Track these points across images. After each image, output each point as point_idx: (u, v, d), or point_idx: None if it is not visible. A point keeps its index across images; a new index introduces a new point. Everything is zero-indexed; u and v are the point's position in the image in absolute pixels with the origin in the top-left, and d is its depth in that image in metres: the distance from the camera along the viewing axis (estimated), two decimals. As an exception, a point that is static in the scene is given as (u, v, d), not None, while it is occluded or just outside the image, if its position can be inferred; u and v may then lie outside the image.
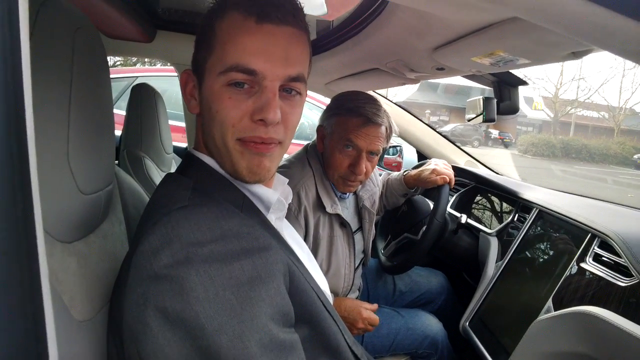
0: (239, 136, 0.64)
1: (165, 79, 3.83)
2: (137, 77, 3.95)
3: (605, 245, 1.04)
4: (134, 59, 9.21)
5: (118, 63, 10.13)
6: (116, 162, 1.66)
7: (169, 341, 0.50)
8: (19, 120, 0.33)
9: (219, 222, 0.58)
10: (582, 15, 0.46)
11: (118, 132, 1.74)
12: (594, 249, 1.06)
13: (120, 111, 2.24)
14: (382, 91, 2.22)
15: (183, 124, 2.25)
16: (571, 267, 1.08)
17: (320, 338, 0.66)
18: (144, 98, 1.62)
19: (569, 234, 1.17)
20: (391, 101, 2.13)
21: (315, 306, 0.65)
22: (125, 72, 4.19)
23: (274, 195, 0.71)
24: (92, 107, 0.61)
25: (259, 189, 0.70)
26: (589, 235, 1.08)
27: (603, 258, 1.03)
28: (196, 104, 0.69)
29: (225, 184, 0.68)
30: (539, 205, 1.34)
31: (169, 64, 2.01)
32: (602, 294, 0.96)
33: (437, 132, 2.15)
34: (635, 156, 19.58)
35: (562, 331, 0.94)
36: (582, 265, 1.05)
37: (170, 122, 1.89)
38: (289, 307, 0.59)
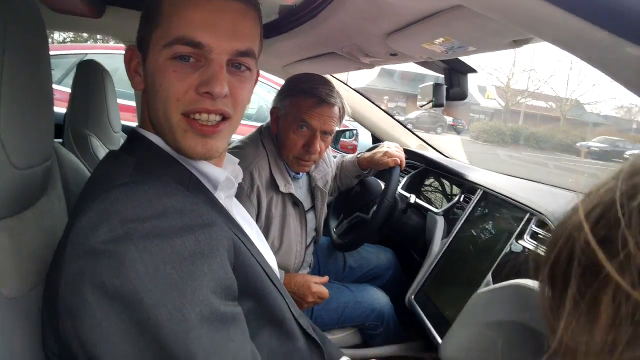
0: (183, 110, 0.63)
1: (117, 57, 3.69)
2: (86, 54, 3.77)
3: (542, 223, 1.11)
4: (85, 36, 8.73)
5: (68, 39, 9.58)
6: (60, 140, 1.60)
7: (107, 315, 0.49)
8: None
9: (160, 199, 0.57)
10: (516, 3, 0.49)
11: (64, 110, 1.68)
12: (531, 227, 1.13)
13: (67, 89, 2.14)
14: (342, 77, 2.24)
15: (134, 103, 2.19)
16: (510, 244, 1.15)
17: (265, 310, 0.67)
18: (90, 75, 1.56)
19: (510, 214, 1.25)
20: (349, 86, 2.16)
21: (261, 280, 0.67)
22: (75, 48, 3.99)
23: (222, 174, 0.71)
24: (28, 80, 0.59)
25: (207, 167, 0.69)
26: (528, 214, 1.15)
27: (539, 235, 1.11)
28: (140, 80, 0.67)
29: (170, 162, 0.67)
30: (483, 186, 1.41)
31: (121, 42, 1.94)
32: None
33: (392, 117, 2.20)
34: (578, 144, 20.70)
35: (499, 302, 1.01)
36: (521, 242, 1.12)
37: (122, 101, 1.83)
38: (232, 281, 0.59)
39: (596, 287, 0.25)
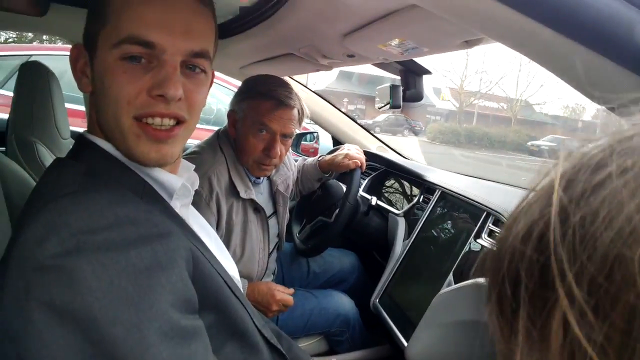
0: (135, 114, 0.60)
1: (65, 59, 3.51)
2: (31, 55, 3.58)
3: (499, 222, 1.14)
4: (30, 36, 8.30)
5: (10, 39, 9.08)
6: (3, 148, 1.50)
7: (57, 337, 0.45)
8: None
9: (112, 208, 0.53)
10: (466, 3, 0.50)
11: (6, 115, 1.57)
12: (488, 225, 1.15)
13: (10, 92, 2.02)
14: (302, 79, 2.23)
15: (84, 108, 2.09)
16: (469, 243, 1.17)
17: (227, 323, 0.65)
18: (35, 78, 1.46)
19: (468, 213, 1.27)
20: (309, 89, 2.15)
21: (222, 291, 0.64)
22: (18, 49, 3.79)
23: (177, 181, 0.67)
24: None
25: (161, 175, 0.66)
26: (485, 213, 1.18)
27: (496, 234, 1.13)
28: (88, 81, 0.63)
29: (122, 169, 0.63)
30: (441, 186, 1.43)
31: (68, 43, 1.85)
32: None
33: (352, 119, 2.21)
34: (529, 143, 21.66)
35: (460, 302, 1.02)
36: (479, 241, 1.14)
37: (71, 106, 1.74)
38: (192, 293, 0.56)
39: (547, 312, 0.23)
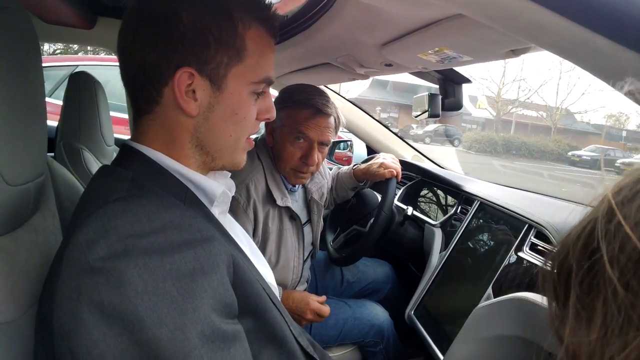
0: (250, 133, 0.72)
1: (109, 69, 3.65)
2: (77, 65, 3.73)
3: (541, 235, 1.10)
4: (76, 47, 8.70)
5: (58, 51, 9.53)
6: (52, 154, 1.57)
7: (105, 336, 0.47)
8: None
9: (159, 213, 0.56)
10: (518, 12, 0.48)
11: (55, 123, 1.64)
12: (530, 238, 1.12)
13: (58, 101, 2.12)
14: (335, 87, 2.24)
15: (126, 116, 2.16)
16: (510, 256, 1.13)
17: (265, 329, 0.66)
18: (82, 87, 1.53)
19: (508, 225, 1.23)
20: (343, 97, 2.16)
21: (260, 298, 0.65)
22: (65, 60, 3.96)
23: (218, 188, 0.70)
24: (20, 93, 0.57)
25: (204, 181, 0.68)
26: (526, 225, 1.14)
27: (539, 247, 1.09)
28: (197, 105, 0.65)
29: (166, 176, 0.66)
30: (480, 197, 1.40)
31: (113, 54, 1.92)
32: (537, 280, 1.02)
33: (387, 128, 2.19)
34: (570, 153, 20.90)
35: (500, 316, 0.99)
36: (520, 254, 1.10)
37: (113, 114, 1.81)
38: (232, 298, 0.58)
39: (592, 295, 0.29)
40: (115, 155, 1.80)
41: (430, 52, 0.93)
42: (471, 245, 1.34)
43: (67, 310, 0.49)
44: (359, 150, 2.55)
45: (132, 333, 0.48)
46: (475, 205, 1.40)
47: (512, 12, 0.50)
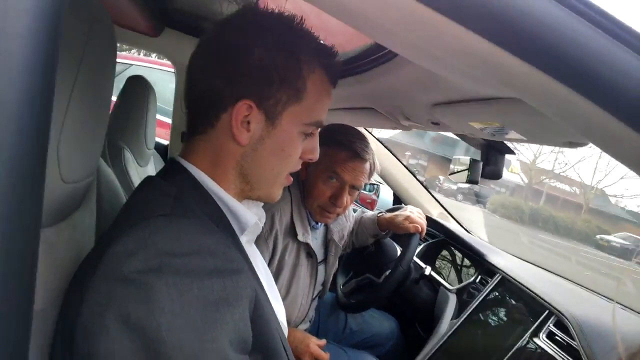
0: (291, 171, 0.75)
1: (157, 72, 3.78)
2: (130, 64, 3.87)
3: (560, 324, 1.06)
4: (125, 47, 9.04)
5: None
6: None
7: (124, 347, 0.49)
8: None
9: (197, 236, 0.58)
10: (584, 114, 0.48)
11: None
12: (549, 326, 1.08)
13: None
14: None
15: (167, 120, 2.22)
16: (524, 340, 1.09)
17: None
18: (137, 90, 1.59)
19: (527, 306, 1.20)
20: (377, 139, 2.16)
21: (272, 337, 0.65)
22: (118, 58, 4.09)
23: (252, 218, 0.72)
24: (92, 99, 0.60)
25: (240, 209, 0.70)
26: (547, 311, 1.10)
27: (556, 337, 1.05)
28: (248, 136, 0.68)
29: (206, 198, 0.68)
30: (503, 271, 1.36)
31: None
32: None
33: (416, 178, 2.18)
34: (598, 236, 20.22)
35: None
36: (535, 339, 1.07)
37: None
38: (249, 334, 0.58)
39: None
40: (152, 159, 1.83)
41: (482, 123, 0.92)
42: (485, 319, 1.30)
43: (94, 314, 0.51)
44: (385, 196, 2.53)
45: (150, 351, 0.49)
46: (497, 278, 1.37)
47: (577, 113, 0.49)
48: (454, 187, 21.57)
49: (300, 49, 0.67)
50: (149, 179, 0.71)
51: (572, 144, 0.78)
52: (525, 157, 27.14)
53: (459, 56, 0.53)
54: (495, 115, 0.83)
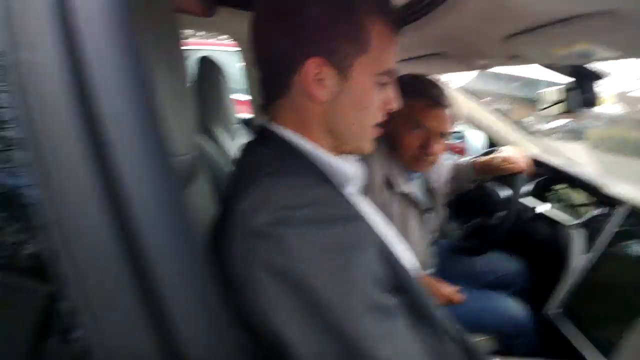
0: (376, 122, 0.73)
1: (221, 53, 3.87)
2: (198, 49, 4.01)
3: None
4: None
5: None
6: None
7: (277, 293, 0.52)
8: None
9: (305, 189, 0.61)
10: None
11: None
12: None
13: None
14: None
15: (238, 98, 2.32)
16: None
17: (414, 307, 0.65)
18: (209, 71, 1.65)
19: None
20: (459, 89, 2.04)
21: (406, 275, 0.66)
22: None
23: (352, 169, 0.73)
24: (174, 86, 0.65)
25: (339, 164, 0.71)
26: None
27: None
28: (325, 92, 0.68)
29: (300, 157, 0.69)
30: (631, 202, 1.29)
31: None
32: None
33: (510, 120, 2.04)
34: None
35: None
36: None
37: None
38: (383, 274, 0.60)
39: None
40: (239, 132, 1.93)
41: (568, 47, 0.81)
42: (622, 252, 1.24)
43: (243, 267, 0.54)
44: (473, 142, 2.44)
45: (304, 293, 0.51)
46: (626, 209, 1.29)
47: None
48: (546, 126, 20.16)
49: (357, 1, 0.66)
50: (246, 145, 0.75)
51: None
52: (619, 87, 24.49)
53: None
54: (583, 34, 0.74)
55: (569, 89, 1.43)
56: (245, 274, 0.54)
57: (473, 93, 2.00)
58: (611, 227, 1.27)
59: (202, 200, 0.79)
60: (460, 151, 2.33)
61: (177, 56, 0.69)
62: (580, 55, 0.86)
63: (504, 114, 1.98)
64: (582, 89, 1.39)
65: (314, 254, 0.53)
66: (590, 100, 1.39)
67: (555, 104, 1.48)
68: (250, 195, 0.58)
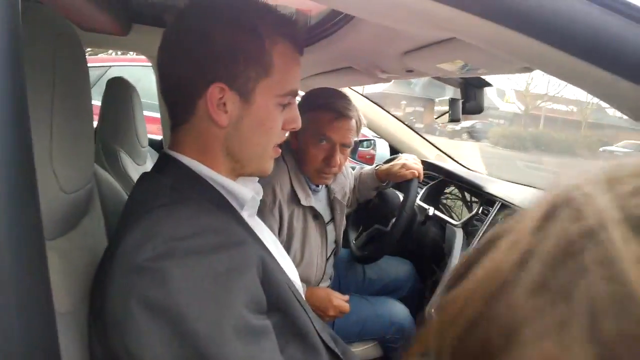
0: (277, 142, 0.76)
1: (138, 68, 3.74)
2: (110, 66, 3.83)
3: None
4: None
5: (87, 51, 9.75)
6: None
7: (151, 328, 0.54)
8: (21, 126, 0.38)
9: (197, 218, 0.63)
10: (513, 41, 0.51)
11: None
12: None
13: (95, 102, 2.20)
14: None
15: (157, 115, 2.24)
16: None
17: (290, 325, 0.71)
18: (119, 92, 1.61)
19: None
20: (365, 97, 2.18)
21: (286, 295, 0.70)
22: (97, 61, 4.05)
23: (248, 193, 0.75)
24: (74, 109, 0.63)
25: (236, 187, 0.74)
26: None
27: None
28: (227, 117, 0.70)
29: (201, 183, 0.71)
30: (501, 199, 1.42)
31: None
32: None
33: (409, 127, 2.22)
34: (601, 149, 20.20)
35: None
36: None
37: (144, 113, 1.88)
38: (262, 296, 0.64)
39: None
40: (148, 156, 1.85)
41: (448, 63, 0.96)
42: None
43: (118, 305, 0.56)
44: (382, 150, 2.57)
45: (175, 326, 0.54)
46: (497, 206, 1.42)
47: (506, 41, 0.53)
48: (457, 127, 21.45)
49: (259, 24, 0.68)
50: (145, 174, 0.75)
51: (529, 68, 0.82)
52: (518, 85, 26.86)
53: (394, 9, 0.57)
54: (456, 53, 0.86)
55: (451, 100, 1.55)
56: (120, 311, 0.56)
57: (390, 97, 2.13)
58: (485, 224, 1.41)
59: (92, 239, 0.75)
60: (371, 159, 2.44)
61: (82, 89, 0.66)
62: (460, 70, 1.01)
63: (414, 116, 2.13)
64: (468, 98, 1.49)
65: (192, 283, 0.55)
66: (474, 109, 1.50)
67: (443, 114, 1.61)
68: (136, 229, 0.59)
